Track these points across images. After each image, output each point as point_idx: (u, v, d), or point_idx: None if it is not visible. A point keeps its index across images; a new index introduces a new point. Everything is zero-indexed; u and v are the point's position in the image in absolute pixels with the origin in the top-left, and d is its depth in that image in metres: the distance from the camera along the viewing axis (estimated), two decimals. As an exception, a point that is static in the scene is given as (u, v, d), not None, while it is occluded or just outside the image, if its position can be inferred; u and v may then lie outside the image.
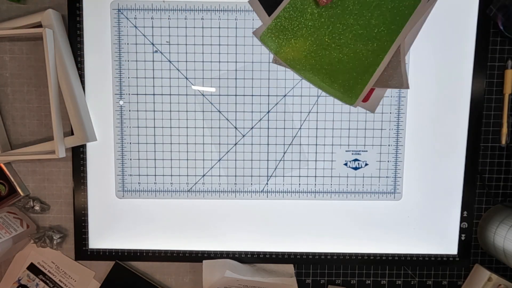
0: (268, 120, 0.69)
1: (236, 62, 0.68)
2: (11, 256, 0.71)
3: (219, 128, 0.69)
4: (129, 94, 0.68)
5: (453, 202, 0.70)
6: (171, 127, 0.69)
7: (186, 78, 0.68)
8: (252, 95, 0.68)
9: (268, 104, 0.68)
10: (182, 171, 0.70)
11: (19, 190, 0.69)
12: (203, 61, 0.68)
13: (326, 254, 0.71)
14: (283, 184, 0.70)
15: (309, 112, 0.68)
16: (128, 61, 0.68)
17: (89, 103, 0.68)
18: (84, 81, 0.68)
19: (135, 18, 0.67)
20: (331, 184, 0.70)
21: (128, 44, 0.67)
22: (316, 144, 0.69)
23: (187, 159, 0.70)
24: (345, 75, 0.43)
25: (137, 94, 0.68)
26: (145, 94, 0.68)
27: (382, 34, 0.45)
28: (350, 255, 0.71)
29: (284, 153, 0.69)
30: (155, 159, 0.70)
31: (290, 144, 0.69)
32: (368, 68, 0.44)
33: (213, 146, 0.69)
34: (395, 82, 0.44)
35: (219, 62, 0.68)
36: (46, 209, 0.70)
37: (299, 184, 0.70)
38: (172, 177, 0.70)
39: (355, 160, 0.69)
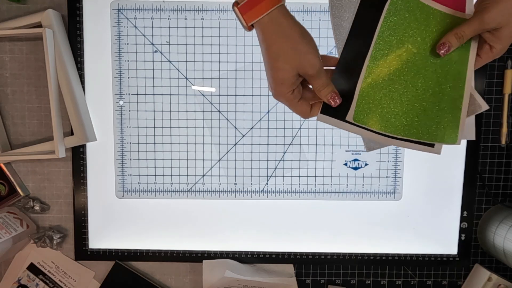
0: (268, 120, 0.69)
1: (236, 62, 0.68)
2: (11, 256, 0.71)
3: (219, 128, 0.69)
4: (129, 94, 0.68)
5: (453, 202, 0.70)
6: (171, 127, 0.69)
7: (186, 78, 0.68)
8: (252, 95, 0.68)
9: (268, 104, 0.68)
10: (182, 171, 0.70)
11: (19, 190, 0.69)
12: (203, 61, 0.68)
13: (326, 254, 0.71)
14: (283, 184, 0.70)
15: (309, 112, 0.68)
16: (128, 61, 0.68)
17: (89, 103, 0.68)
18: (84, 81, 0.68)
19: (135, 18, 0.67)
20: (331, 184, 0.70)
21: (128, 44, 0.67)
22: (316, 144, 0.69)
23: (187, 159, 0.70)
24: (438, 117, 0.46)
25: (137, 94, 0.68)
26: (145, 94, 0.68)
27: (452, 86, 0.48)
28: (350, 255, 0.71)
29: (284, 153, 0.69)
30: (155, 159, 0.70)
31: (290, 144, 0.69)
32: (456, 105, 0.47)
33: (213, 146, 0.69)
34: (473, 108, 0.47)
35: (219, 62, 0.68)
36: (46, 209, 0.70)
37: (299, 184, 0.70)
38: (172, 177, 0.70)
39: (355, 160, 0.69)
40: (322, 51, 0.67)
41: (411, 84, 0.45)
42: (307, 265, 0.72)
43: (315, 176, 0.70)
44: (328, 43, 0.67)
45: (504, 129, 0.69)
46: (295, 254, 0.71)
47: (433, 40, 0.45)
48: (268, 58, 0.41)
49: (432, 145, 0.46)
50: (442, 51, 0.43)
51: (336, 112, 0.45)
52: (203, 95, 0.68)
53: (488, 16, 0.41)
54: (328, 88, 0.43)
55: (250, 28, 0.42)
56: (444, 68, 0.45)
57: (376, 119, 0.45)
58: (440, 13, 0.45)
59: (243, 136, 0.69)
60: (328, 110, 0.44)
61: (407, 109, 0.46)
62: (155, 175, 0.70)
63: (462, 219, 0.70)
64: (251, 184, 0.70)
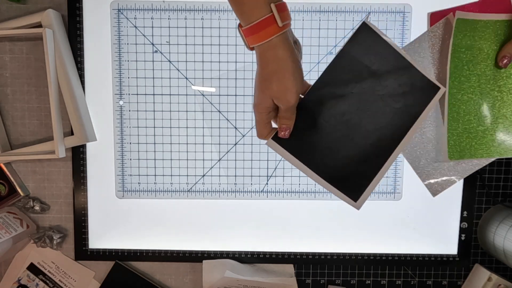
0: (268, 120, 0.69)
1: (236, 62, 0.68)
2: (11, 256, 0.71)
3: (219, 128, 0.69)
4: (129, 94, 0.68)
5: (453, 202, 0.70)
6: (171, 127, 0.69)
7: (186, 78, 0.68)
8: (252, 95, 0.68)
9: (268, 104, 0.68)
10: (182, 171, 0.70)
11: (19, 190, 0.69)
12: (203, 61, 0.68)
13: (326, 254, 0.71)
14: (283, 184, 0.70)
15: (309, 112, 0.68)
16: (128, 61, 0.68)
17: (89, 103, 0.68)
18: (84, 81, 0.68)
19: (135, 18, 0.67)
20: (331, 184, 0.70)
21: (128, 44, 0.67)
22: (316, 144, 0.69)
23: (187, 159, 0.70)
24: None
25: (137, 94, 0.68)
26: (145, 94, 0.68)
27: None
28: (350, 255, 0.71)
29: (284, 153, 0.69)
30: (155, 159, 0.70)
31: (290, 144, 0.69)
32: None
33: (213, 146, 0.69)
34: None
35: (219, 62, 0.68)
36: (46, 209, 0.70)
37: (299, 184, 0.70)
38: (172, 177, 0.70)
39: (355, 160, 0.69)
40: (322, 51, 0.67)
41: (488, 103, 0.49)
42: (307, 265, 0.72)
43: (315, 176, 0.70)
44: (328, 43, 0.67)
45: (504, 129, 0.69)
46: (295, 254, 0.71)
47: (495, 52, 0.48)
48: (258, 77, 0.44)
49: (355, 199, 0.50)
50: (505, 62, 0.47)
51: (284, 144, 0.48)
52: (203, 95, 0.68)
53: None
54: (288, 121, 0.46)
55: (251, 48, 0.44)
56: (508, 79, 0.49)
57: (469, 149, 0.49)
58: (498, 22, 0.48)
59: (243, 136, 0.69)
60: (279, 139, 0.48)
61: (490, 129, 0.49)
62: (155, 175, 0.70)
63: (462, 219, 0.70)
64: (251, 184, 0.70)
